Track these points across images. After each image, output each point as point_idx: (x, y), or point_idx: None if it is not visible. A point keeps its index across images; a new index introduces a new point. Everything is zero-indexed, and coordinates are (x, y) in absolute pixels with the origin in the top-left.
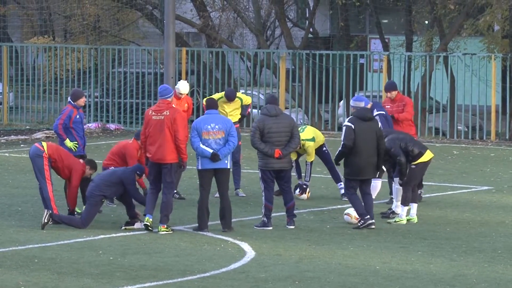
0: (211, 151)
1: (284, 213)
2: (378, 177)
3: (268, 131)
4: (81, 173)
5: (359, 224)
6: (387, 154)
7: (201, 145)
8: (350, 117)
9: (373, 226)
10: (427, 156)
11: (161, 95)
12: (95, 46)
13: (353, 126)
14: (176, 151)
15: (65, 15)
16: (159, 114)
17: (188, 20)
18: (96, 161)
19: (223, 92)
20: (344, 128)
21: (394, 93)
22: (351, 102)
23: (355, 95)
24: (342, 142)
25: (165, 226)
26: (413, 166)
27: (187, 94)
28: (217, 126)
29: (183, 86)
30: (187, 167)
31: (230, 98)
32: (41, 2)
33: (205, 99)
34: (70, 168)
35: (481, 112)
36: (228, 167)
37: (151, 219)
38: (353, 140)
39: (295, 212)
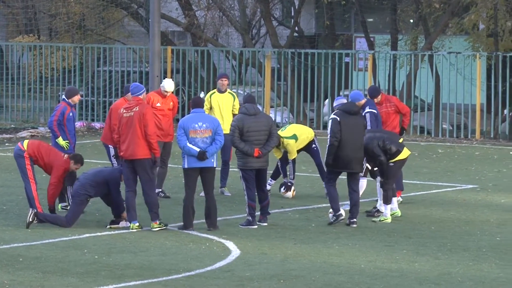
0: (198, 149)
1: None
2: (364, 176)
3: (248, 130)
4: (63, 170)
5: (331, 220)
6: (366, 153)
7: (188, 144)
8: (336, 111)
9: (342, 218)
10: (404, 153)
11: (132, 93)
12: (80, 45)
13: (338, 119)
14: (147, 147)
15: (50, 13)
16: (129, 111)
17: (174, 19)
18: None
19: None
20: (330, 121)
21: (378, 97)
22: (334, 104)
23: (339, 95)
24: (329, 136)
25: (157, 222)
26: (391, 164)
27: (172, 93)
28: (204, 125)
29: (168, 84)
30: (171, 165)
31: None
32: (26, 1)
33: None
34: (51, 165)
35: (466, 111)
36: (214, 166)
37: (136, 224)
38: (339, 132)
39: (280, 210)
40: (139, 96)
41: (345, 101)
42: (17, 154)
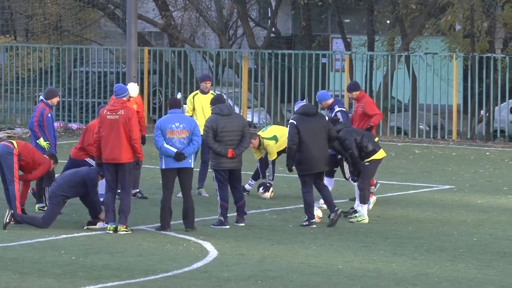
0: (175, 150)
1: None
2: (331, 176)
3: (221, 131)
4: (48, 169)
5: (303, 223)
6: (340, 145)
7: (165, 144)
8: (294, 115)
9: (314, 225)
10: (380, 154)
11: (116, 94)
12: (56, 46)
13: (295, 123)
14: (131, 150)
15: (27, 14)
16: (114, 113)
17: (150, 20)
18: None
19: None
20: (288, 126)
21: (355, 93)
22: (295, 109)
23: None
24: (287, 140)
25: (125, 226)
26: (366, 163)
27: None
28: (181, 125)
29: (133, 90)
30: (149, 166)
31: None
32: (2, 2)
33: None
34: (39, 163)
35: (443, 112)
36: (192, 166)
37: (113, 226)
38: (297, 136)
39: (257, 211)
40: (123, 98)
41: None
42: (6, 151)
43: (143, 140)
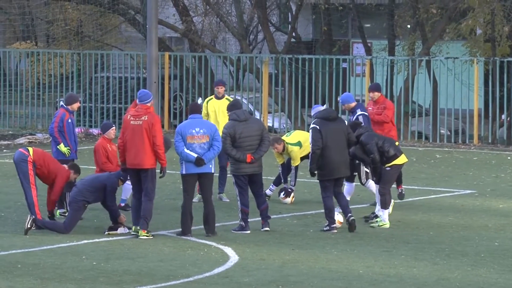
0: (195, 155)
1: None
2: (351, 181)
3: (240, 136)
4: (66, 179)
5: (324, 228)
6: (361, 150)
7: (186, 150)
8: (315, 119)
9: (335, 230)
10: (402, 159)
11: (140, 100)
12: (77, 51)
13: (318, 127)
14: (154, 156)
15: (48, 20)
16: (137, 119)
17: (171, 25)
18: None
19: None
20: (310, 131)
21: (376, 94)
22: (312, 113)
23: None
24: (310, 145)
25: (145, 231)
26: (387, 169)
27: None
28: (201, 131)
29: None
30: (169, 171)
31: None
32: (23, 8)
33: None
34: (55, 173)
35: (464, 116)
36: (212, 171)
37: (138, 227)
38: (321, 140)
39: (278, 216)
40: (147, 104)
41: (321, 108)
42: (21, 158)
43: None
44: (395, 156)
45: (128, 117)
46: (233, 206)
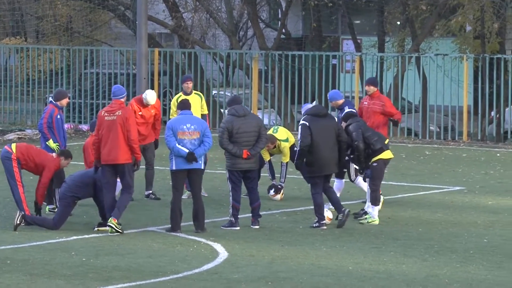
0: (187, 151)
1: None
2: (340, 178)
3: (237, 132)
4: (54, 169)
5: (314, 225)
6: (349, 138)
7: (177, 145)
8: (305, 116)
9: (324, 227)
10: (387, 154)
11: (114, 95)
12: (67, 47)
13: (307, 124)
14: (129, 151)
15: (37, 16)
16: (111, 114)
17: (161, 21)
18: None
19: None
20: (300, 127)
21: (372, 88)
22: (302, 111)
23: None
24: (299, 141)
25: (116, 220)
26: (374, 164)
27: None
28: (192, 127)
29: (151, 97)
30: (158, 167)
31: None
32: (13, 3)
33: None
34: (42, 165)
35: (453, 113)
36: (202, 167)
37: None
38: (310, 137)
39: (267, 213)
40: (121, 99)
41: (311, 106)
42: (5, 156)
43: (156, 144)
44: (381, 150)
45: (103, 113)
46: (223, 203)
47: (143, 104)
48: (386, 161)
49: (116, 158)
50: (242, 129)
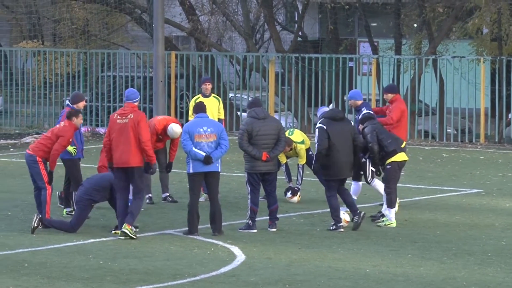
0: (204, 154)
1: None
2: (357, 180)
3: (256, 134)
4: (70, 134)
5: (331, 227)
6: (364, 139)
7: (194, 148)
8: (322, 119)
9: (341, 229)
10: (401, 157)
11: (127, 99)
12: (84, 50)
13: (325, 127)
14: (140, 154)
15: (54, 19)
16: (123, 117)
17: (177, 24)
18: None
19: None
20: (316, 130)
21: (389, 95)
22: (318, 114)
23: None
24: (316, 144)
25: (130, 226)
26: (388, 166)
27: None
28: (209, 129)
29: (176, 134)
30: (175, 170)
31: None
32: (30, 7)
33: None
34: (59, 136)
35: (470, 115)
36: (219, 170)
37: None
38: (327, 140)
39: (284, 215)
40: (134, 103)
41: (327, 109)
42: (30, 160)
43: (169, 167)
44: (394, 152)
45: (115, 116)
46: (240, 205)
47: (165, 132)
48: (400, 164)
49: (127, 162)
50: (261, 131)
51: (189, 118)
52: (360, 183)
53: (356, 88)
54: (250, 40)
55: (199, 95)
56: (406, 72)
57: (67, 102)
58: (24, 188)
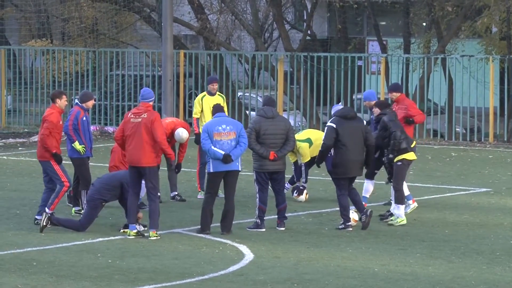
0: (223, 152)
1: None
2: (371, 179)
3: (264, 133)
4: (53, 118)
5: (339, 226)
6: (383, 129)
7: (213, 147)
8: (333, 117)
9: (350, 228)
10: (411, 155)
11: (142, 98)
12: (93, 49)
13: (335, 126)
14: (153, 154)
15: (63, 18)
16: (137, 116)
17: (186, 23)
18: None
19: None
20: (326, 128)
21: (395, 94)
22: (332, 112)
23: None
24: (322, 142)
25: (155, 231)
26: (398, 163)
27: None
28: (228, 127)
29: (183, 138)
30: (184, 169)
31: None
32: (39, 5)
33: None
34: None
35: (479, 114)
36: (239, 169)
37: (134, 231)
38: (334, 139)
39: (293, 214)
40: (149, 102)
41: (341, 107)
42: (41, 163)
43: (179, 168)
44: (405, 150)
45: (129, 115)
46: (248, 204)
47: (173, 135)
48: (409, 162)
49: (139, 161)
50: (269, 130)
51: (194, 116)
52: (373, 181)
53: (364, 87)
54: (258, 39)
55: (205, 93)
56: (415, 71)
57: (76, 100)
58: (33, 187)
